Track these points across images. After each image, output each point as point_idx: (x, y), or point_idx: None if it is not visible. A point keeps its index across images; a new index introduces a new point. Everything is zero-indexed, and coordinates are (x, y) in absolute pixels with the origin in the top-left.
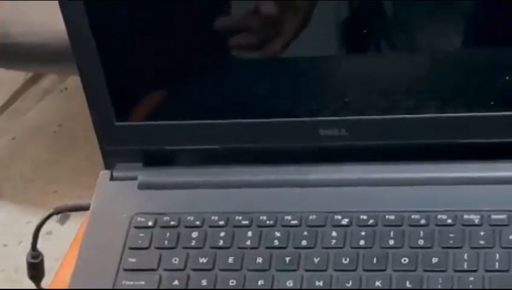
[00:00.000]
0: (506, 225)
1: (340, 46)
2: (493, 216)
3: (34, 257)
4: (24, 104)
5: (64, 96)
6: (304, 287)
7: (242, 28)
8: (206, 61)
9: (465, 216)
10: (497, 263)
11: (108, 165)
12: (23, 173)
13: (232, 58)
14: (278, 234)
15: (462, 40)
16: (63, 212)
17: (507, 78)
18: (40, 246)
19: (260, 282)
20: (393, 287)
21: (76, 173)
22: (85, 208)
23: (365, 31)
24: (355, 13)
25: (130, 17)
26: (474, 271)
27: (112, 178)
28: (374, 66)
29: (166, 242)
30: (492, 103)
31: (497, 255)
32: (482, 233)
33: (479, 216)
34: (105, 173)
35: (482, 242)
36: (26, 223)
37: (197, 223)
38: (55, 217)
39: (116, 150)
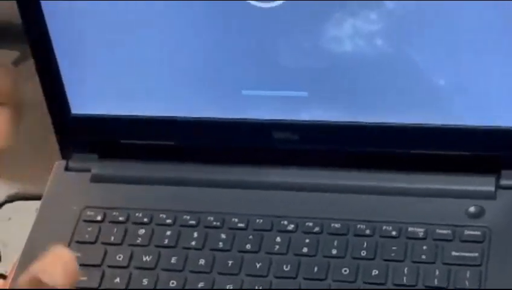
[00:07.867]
0: (450, 241)
1: None
2: (438, 231)
3: None
4: None
5: None
6: None
7: None
8: (163, 57)
9: (410, 229)
10: (436, 280)
11: (65, 155)
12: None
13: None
14: (223, 236)
15: None
16: (16, 200)
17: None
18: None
19: (200, 284)
20: None
21: None
22: (38, 198)
23: None
24: None
25: (87, 9)
26: (413, 286)
27: (67, 168)
28: None
29: (112, 238)
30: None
31: (437, 271)
32: (424, 247)
33: (423, 229)
34: (60, 163)
35: (423, 257)
36: None
37: (145, 220)
38: None
39: (72, 141)
